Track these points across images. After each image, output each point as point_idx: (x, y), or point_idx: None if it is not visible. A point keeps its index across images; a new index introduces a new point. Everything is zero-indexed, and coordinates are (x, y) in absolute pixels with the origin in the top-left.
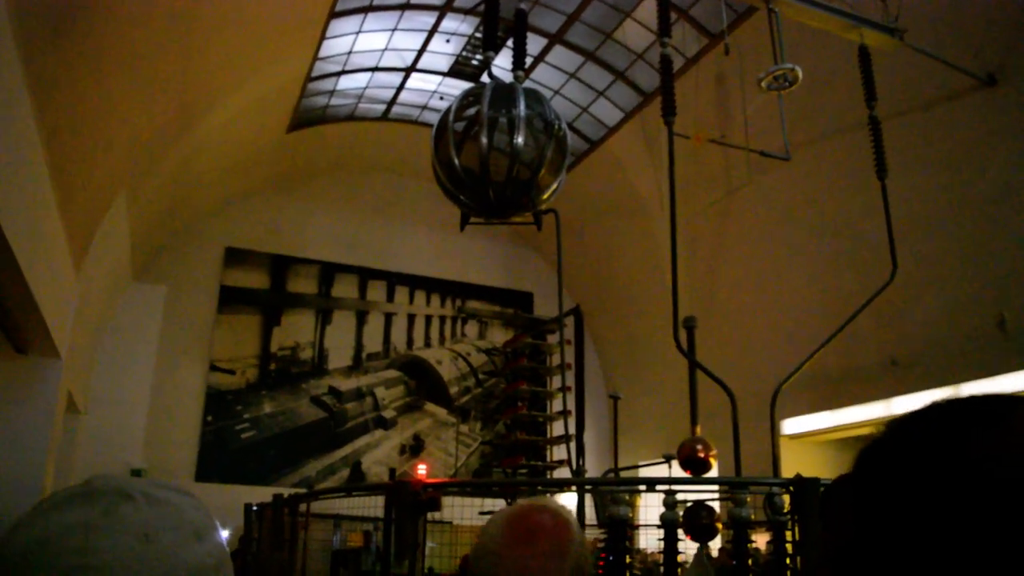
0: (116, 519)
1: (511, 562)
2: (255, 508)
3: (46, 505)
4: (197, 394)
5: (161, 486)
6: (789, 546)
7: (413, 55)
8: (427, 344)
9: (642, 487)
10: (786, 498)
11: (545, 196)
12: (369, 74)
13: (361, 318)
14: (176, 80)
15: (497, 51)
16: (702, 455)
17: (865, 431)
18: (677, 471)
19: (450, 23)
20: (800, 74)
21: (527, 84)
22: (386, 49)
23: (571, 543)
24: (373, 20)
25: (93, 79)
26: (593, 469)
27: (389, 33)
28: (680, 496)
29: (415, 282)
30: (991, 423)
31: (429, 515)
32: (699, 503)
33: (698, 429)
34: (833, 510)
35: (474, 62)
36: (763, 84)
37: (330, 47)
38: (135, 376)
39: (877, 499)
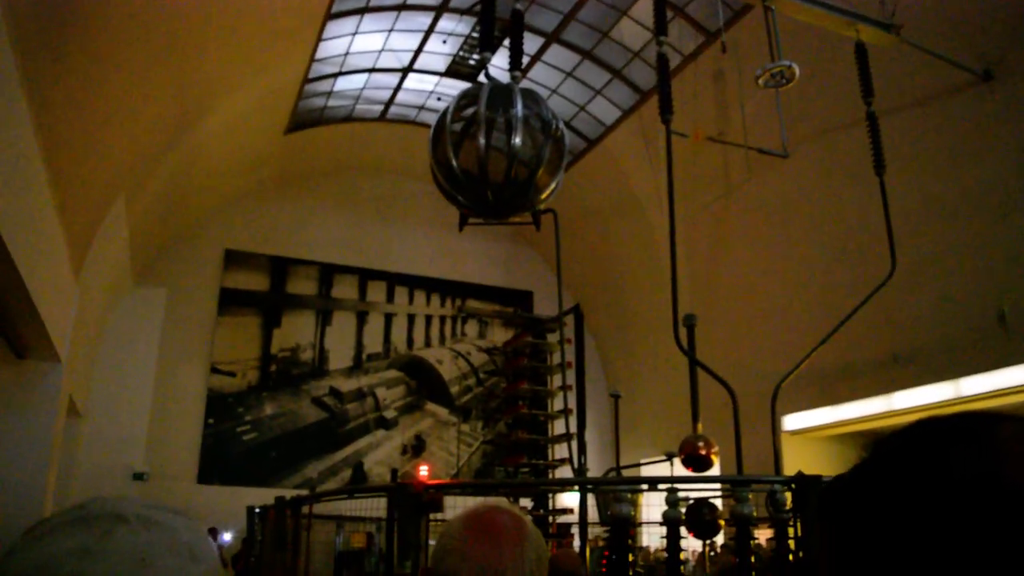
0: (113, 543)
1: (475, 558)
2: (257, 510)
3: (42, 530)
4: (198, 397)
5: (155, 507)
6: (791, 543)
7: (410, 56)
8: (427, 344)
9: (644, 486)
10: (788, 495)
11: (543, 196)
12: (366, 75)
13: (361, 319)
14: (174, 83)
15: (494, 51)
16: (704, 452)
17: (866, 426)
18: (679, 469)
19: (447, 23)
20: (797, 71)
21: (524, 84)
22: (383, 50)
23: (529, 538)
24: (370, 21)
25: (91, 83)
26: (595, 467)
27: (386, 34)
28: (682, 494)
29: (415, 282)
30: (974, 439)
31: (432, 516)
32: (701, 501)
33: (699, 426)
34: (831, 508)
35: (471, 62)
36: (760, 81)
37: (327, 48)
38: (136, 379)
39: (866, 516)
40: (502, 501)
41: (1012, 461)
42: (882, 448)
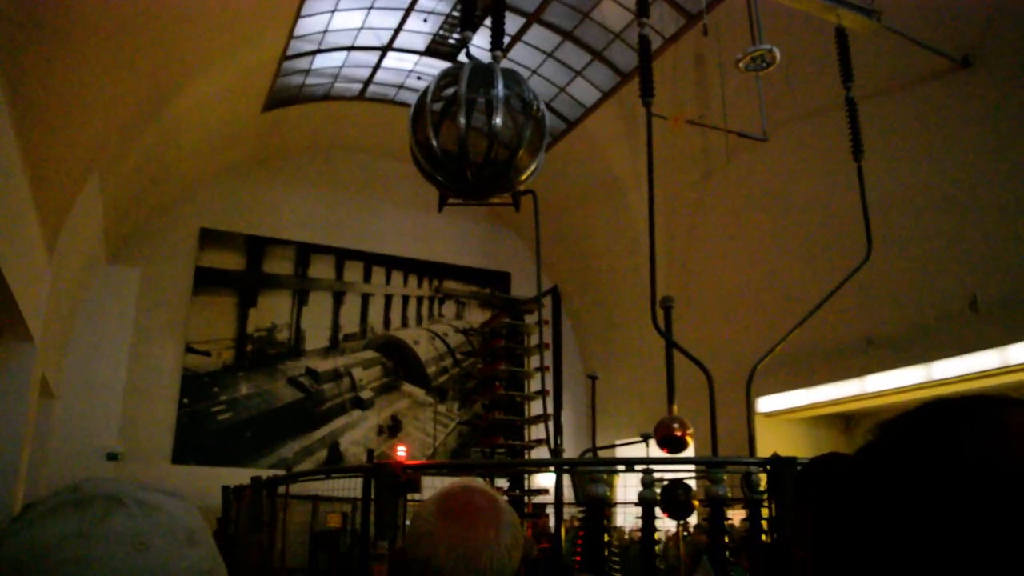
0: (109, 528)
1: (450, 541)
2: (233, 490)
3: (36, 512)
4: (173, 376)
5: (152, 490)
6: (764, 523)
7: (389, 34)
8: (404, 324)
9: (621, 467)
10: (763, 477)
11: (523, 177)
12: (345, 53)
13: (338, 299)
14: (149, 59)
15: (475, 31)
16: (679, 434)
17: (840, 409)
18: (655, 450)
19: (427, 2)
20: (778, 55)
21: (504, 63)
22: (362, 28)
23: (504, 519)
24: None
25: (64, 58)
26: (571, 448)
27: (365, 11)
28: (658, 474)
29: (392, 262)
30: (983, 421)
31: (409, 496)
32: (676, 482)
33: (675, 408)
34: (811, 488)
35: (451, 41)
36: (741, 65)
37: (305, 25)
38: (110, 359)
39: (876, 499)
40: (476, 481)
41: (1020, 443)
42: (891, 430)
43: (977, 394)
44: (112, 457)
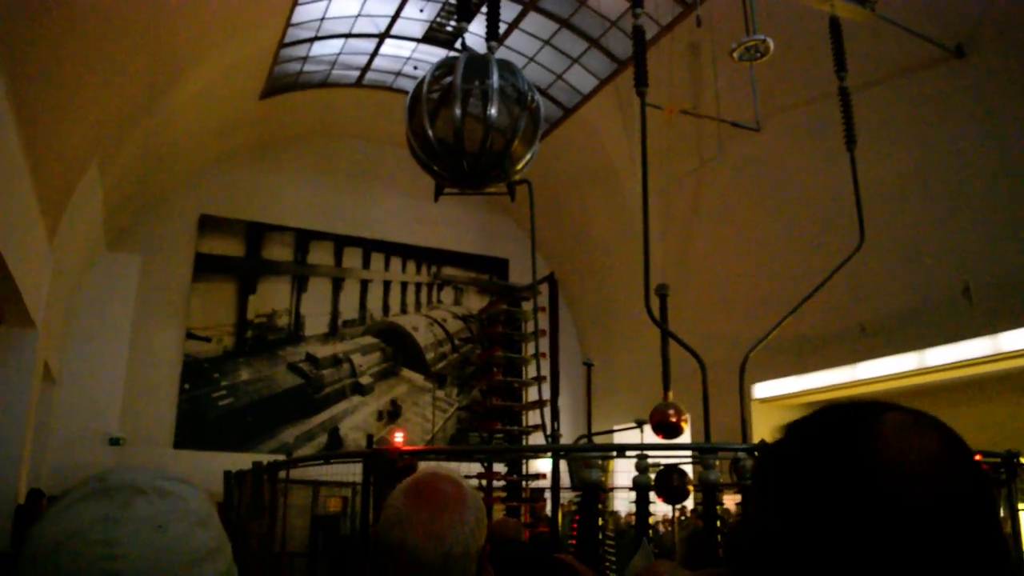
0: (132, 512)
1: (420, 527)
2: (235, 475)
3: (68, 500)
4: (174, 362)
5: (168, 478)
6: None
7: (386, 21)
8: (403, 310)
9: (613, 452)
10: (751, 462)
11: (518, 167)
12: (342, 40)
13: (337, 285)
14: (148, 47)
15: (470, 20)
16: (674, 420)
17: (833, 395)
18: (650, 435)
19: None
20: (771, 45)
21: (501, 51)
22: (359, 15)
23: (468, 503)
24: None
25: (64, 47)
26: (568, 434)
27: None
28: (654, 460)
29: (391, 249)
30: (861, 423)
31: None
32: (670, 467)
33: (670, 395)
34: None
35: (448, 28)
36: (735, 55)
37: (303, 13)
38: (111, 345)
39: (778, 493)
40: (442, 467)
41: (886, 443)
42: (793, 429)
43: (866, 399)
44: (114, 442)
